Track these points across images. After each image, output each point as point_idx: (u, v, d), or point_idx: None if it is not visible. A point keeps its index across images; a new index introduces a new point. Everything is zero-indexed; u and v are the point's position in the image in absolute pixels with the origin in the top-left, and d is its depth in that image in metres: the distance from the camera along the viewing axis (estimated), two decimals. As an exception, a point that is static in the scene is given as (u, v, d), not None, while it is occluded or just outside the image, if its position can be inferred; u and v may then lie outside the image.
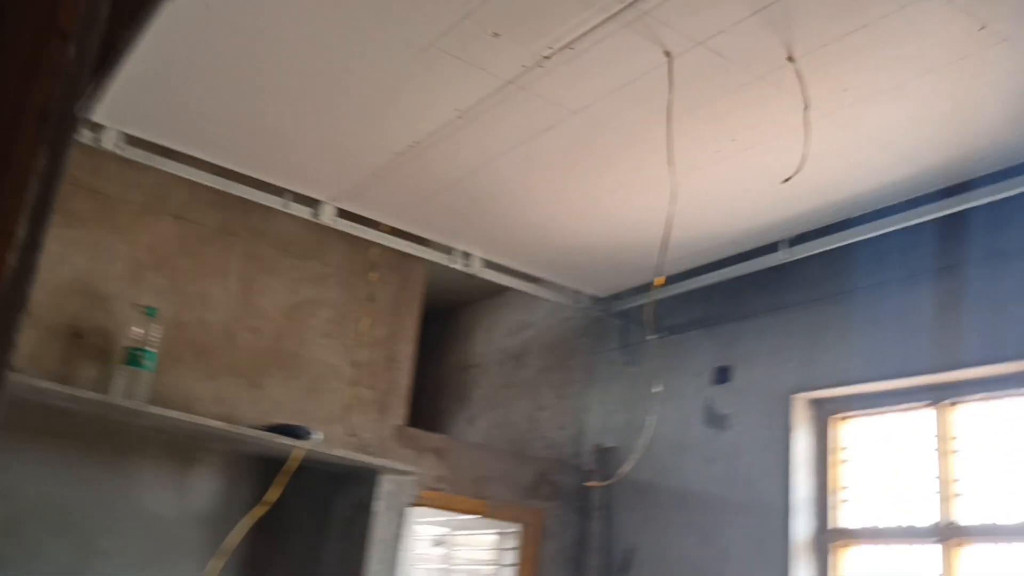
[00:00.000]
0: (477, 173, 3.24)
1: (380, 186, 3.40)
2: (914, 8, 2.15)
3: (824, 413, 3.65)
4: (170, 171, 3.30)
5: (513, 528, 4.37)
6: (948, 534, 3.14)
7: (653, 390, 3.89)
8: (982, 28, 2.19)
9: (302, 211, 3.52)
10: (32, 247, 0.61)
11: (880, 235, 3.20)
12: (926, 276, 3.30)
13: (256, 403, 3.56)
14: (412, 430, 4.05)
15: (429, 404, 5.91)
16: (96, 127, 3.10)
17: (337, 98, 2.87)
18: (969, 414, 3.23)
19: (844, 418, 3.62)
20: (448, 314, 6.14)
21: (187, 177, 3.34)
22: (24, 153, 0.59)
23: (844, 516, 3.51)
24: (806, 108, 2.50)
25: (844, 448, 3.59)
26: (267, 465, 3.39)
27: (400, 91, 2.77)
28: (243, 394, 3.55)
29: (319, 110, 2.95)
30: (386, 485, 3.45)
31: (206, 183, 3.37)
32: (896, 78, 2.44)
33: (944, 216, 3.04)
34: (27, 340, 3.13)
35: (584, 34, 2.40)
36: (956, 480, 3.18)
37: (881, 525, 3.36)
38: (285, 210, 3.50)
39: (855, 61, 2.39)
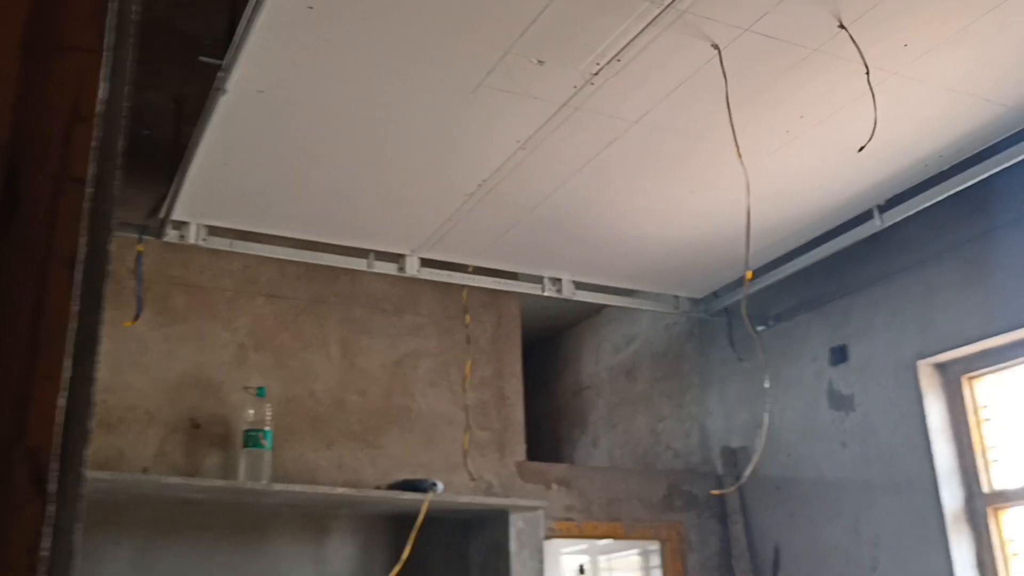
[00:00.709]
0: (551, 198, 3.23)
1: (458, 229, 3.42)
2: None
3: (953, 375, 3.49)
4: (255, 253, 3.39)
5: (653, 546, 4.29)
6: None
7: (765, 385, 3.79)
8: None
9: (387, 267, 3.56)
10: (84, 383, 0.62)
11: (973, 185, 3.05)
12: (992, 239, 3.14)
13: (376, 463, 3.61)
14: (534, 464, 4.03)
15: (549, 434, 5.89)
16: (179, 224, 3.21)
17: (399, 153, 2.91)
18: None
19: (975, 377, 3.45)
20: (552, 341, 6.13)
21: (272, 256, 3.42)
22: (57, 300, 0.60)
23: (995, 478, 3.33)
24: (868, 72, 2.41)
25: (983, 407, 3.42)
26: (398, 523, 3.42)
27: (459, 134, 2.79)
28: (362, 456, 3.60)
29: (384, 168, 2.99)
30: (517, 523, 3.44)
31: (291, 258, 3.45)
32: (956, 23, 2.33)
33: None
34: (150, 439, 3.25)
35: (628, 44, 2.37)
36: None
37: (1034, 483, 3.18)
38: (371, 270, 3.55)
39: (909, 14, 2.29)
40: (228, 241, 3.30)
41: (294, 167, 2.96)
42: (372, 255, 3.56)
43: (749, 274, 3.36)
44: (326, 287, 3.71)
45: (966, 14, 2.31)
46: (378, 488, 3.29)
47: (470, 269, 3.76)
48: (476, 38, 2.35)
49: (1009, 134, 2.90)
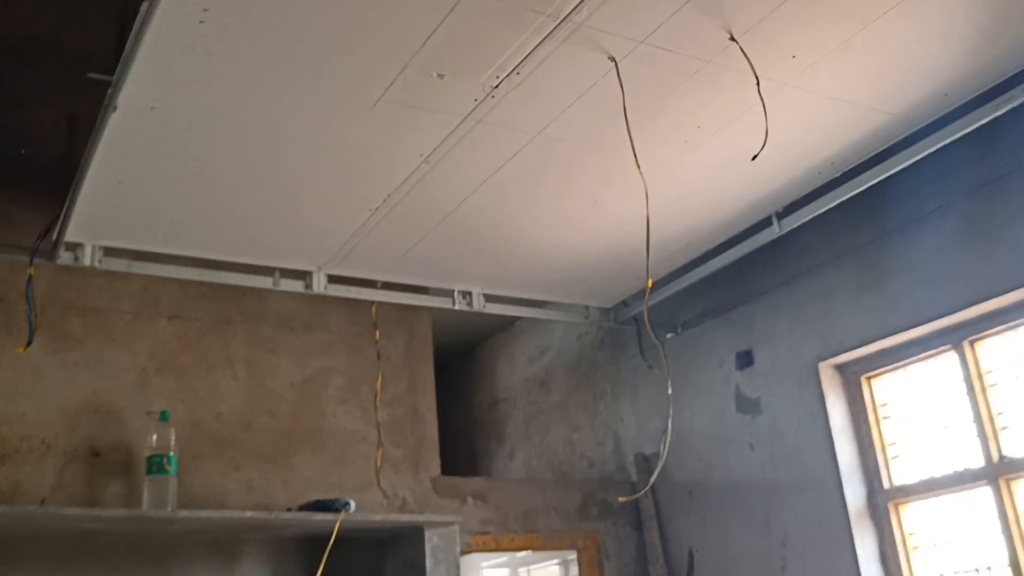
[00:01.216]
0: (457, 212, 3.22)
1: (364, 245, 3.39)
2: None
3: (852, 375, 3.60)
4: (155, 274, 3.29)
5: (572, 555, 4.31)
6: (1000, 471, 3.07)
7: (668, 392, 3.85)
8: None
9: (294, 285, 3.50)
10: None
11: (865, 190, 3.16)
12: (920, 222, 3.27)
13: (287, 485, 3.54)
14: (449, 479, 4.01)
15: (466, 448, 5.88)
16: (73, 246, 3.10)
17: (300, 169, 2.87)
18: (997, 347, 3.17)
19: (873, 376, 3.56)
20: (466, 354, 6.13)
21: (173, 276, 3.33)
22: None
23: (895, 474, 3.44)
24: (758, 82, 2.48)
25: (882, 405, 3.54)
26: (311, 545, 3.36)
27: (361, 149, 2.77)
28: (273, 478, 3.53)
29: (285, 184, 2.95)
30: (432, 540, 3.41)
31: (193, 278, 3.36)
32: (840, 35, 2.42)
33: (925, 157, 2.99)
34: (47, 470, 3.13)
35: (526, 57, 2.39)
36: (999, 414, 3.12)
37: (933, 476, 3.29)
38: (277, 288, 3.48)
39: (796, 27, 2.37)
40: (125, 262, 3.20)
41: (192, 185, 2.90)
42: (278, 273, 3.49)
43: (650, 283, 3.42)
44: (231, 306, 3.63)
45: (850, 26, 2.40)
46: (289, 510, 3.23)
47: (379, 285, 3.73)
48: (374, 53, 2.33)
49: (895, 141, 3.02)
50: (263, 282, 3.46)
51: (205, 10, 2.13)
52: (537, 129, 2.75)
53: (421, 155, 2.82)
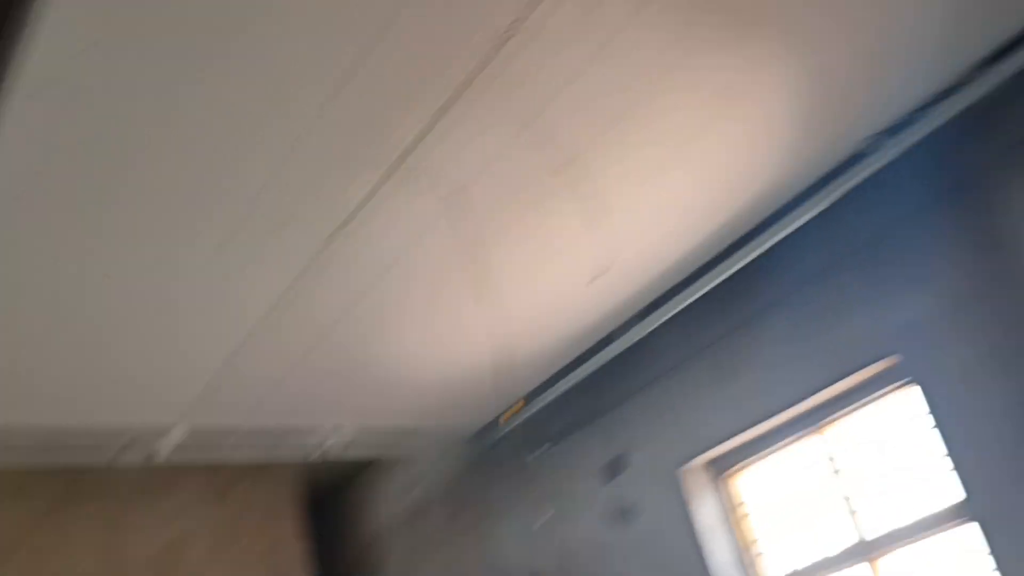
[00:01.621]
0: (314, 351, 3.18)
1: (224, 393, 3.28)
2: (655, 93, 2.29)
3: (720, 471, 3.66)
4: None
5: None
6: (865, 551, 3.16)
7: (543, 517, 3.82)
8: (719, 92, 2.34)
9: (138, 456, 3.32)
10: None
11: (714, 288, 3.30)
12: (762, 315, 3.42)
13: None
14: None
15: (348, 588, 5.64)
16: None
17: (145, 326, 2.78)
18: (850, 427, 3.30)
19: (737, 471, 3.63)
20: (336, 498, 5.94)
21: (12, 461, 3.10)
22: None
23: (768, 566, 3.48)
24: (588, 208, 2.59)
25: (750, 500, 3.60)
26: None
27: (204, 297, 2.71)
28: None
29: (126, 345, 2.85)
30: None
31: (37, 459, 3.14)
32: (658, 156, 2.57)
33: (762, 253, 3.16)
34: None
35: (365, 201, 2.42)
36: (854, 496, 3.22)
37: (804, 564, 3.36)
38: (119, 462, 3.29)
39: (618, 153, 2.50)
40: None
41: (30, 351, 2.76)
42: (126, 439, 3.30)
43: (520, 403, 3.42)
44: (78, 488, 3.41)
45: (664, 147, 2.55)
46: None
47: (232, 442, 3.57)
48: (213, 209, 2.32)
49: (732, 241, 3.18)
50: (110, 452, 3.25)
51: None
52: (386, 265, 2.77)
53: (269, 303, 2.79)
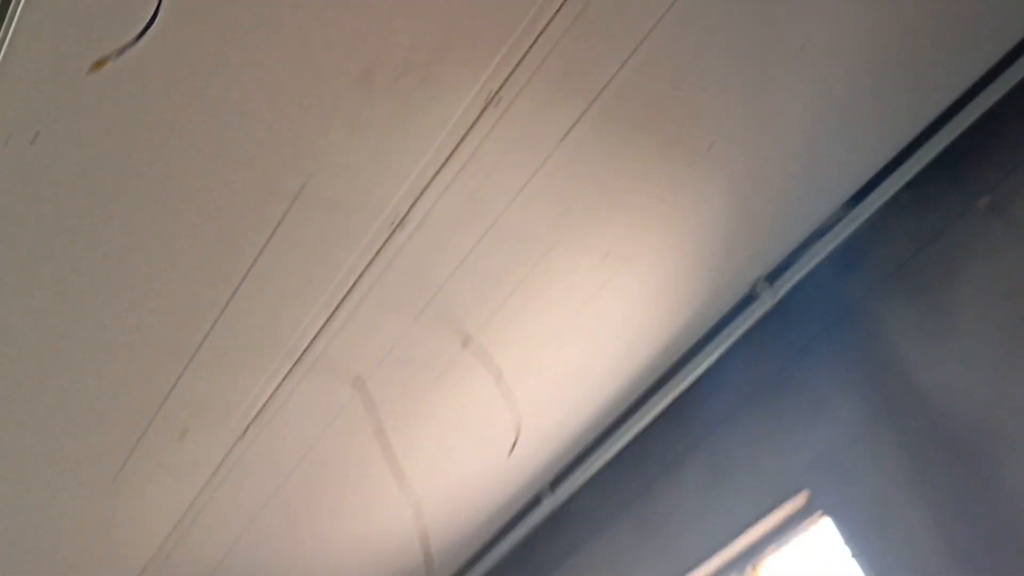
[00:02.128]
0: (232, 554, 3.04)
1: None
2: (547, 263, 2.37)
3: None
4: None
5: None
6: None
7: None
8: (607, 256, 2.45)
9: None
10: None
11: (628, 445, 3.34)
12: (676, 465, 3.45)
13: None
14: None
15: None
16: None
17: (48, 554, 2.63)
18: (771, 570, 3.30)
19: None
20: None
21: None
22: None
23: None
24: (499, 379, 2.62)
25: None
26: None
27: (107, 524, 2.59)
28: None
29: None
30: None
31: None
32: (561, 320, 2.64)
33: (666, 408, 3.22)
34: None
35: (271, 396, 2.39)
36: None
37: None
38: None
39: (521, 321, 2.56)
40: None
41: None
42: None
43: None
44: None
45: (566, 310, 2.62)
46: None
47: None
48: (107, 429, 2.25)
49: (635, 398, 3.24)
50: None
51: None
52: (299, 457, 2.71)
53: (177, 515, 2.68)
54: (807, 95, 2.36)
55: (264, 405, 2.40)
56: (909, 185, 2.90)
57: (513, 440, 2.68)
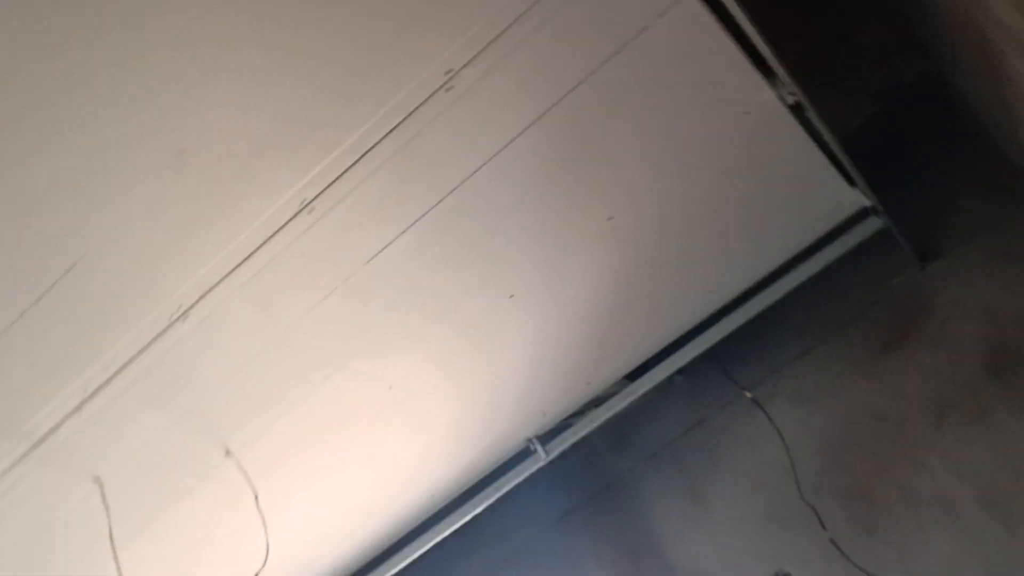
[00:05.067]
0: None
1: None
2: (327, 386, 2.30)
3: None
4: None
5: None
6: None
7: None
8: (391, 387, 2.41)
9: None
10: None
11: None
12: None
13: None
14: None
15: None
16: None
17: None
18: None
19: None
20: None
21: None
22: None
23: None
24: (256, 497, 2.47)
25: None
26: None
27: None
28: None
29: None
30: None
31: None
32: (333, 449, 2.55)
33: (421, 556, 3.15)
34: None
35: (-2, 479, 2.14)
36: None
37: None
38: None
39: (291, 442, 2.45)
40: None
41: None
42: None
43: None
44: None
45: (338, 441, 2.54)
46: None
47: None
48: None
49: (394, 542, 3.15)
50: None
51: None
52: (12, 558, 2.41)
53: None
54: (602, 267, 2.48)
55: (-9, 487, 2.14)
56: (683, 371, 3.08)
57: (260, 566, 2.51)
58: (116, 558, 2.37)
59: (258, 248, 1.94)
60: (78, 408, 2.08)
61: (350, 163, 1.88)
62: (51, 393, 2.03)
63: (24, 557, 2.40)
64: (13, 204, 1.63)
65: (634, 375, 3.03)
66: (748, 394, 3.01)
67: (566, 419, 3.05)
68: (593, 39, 1.82)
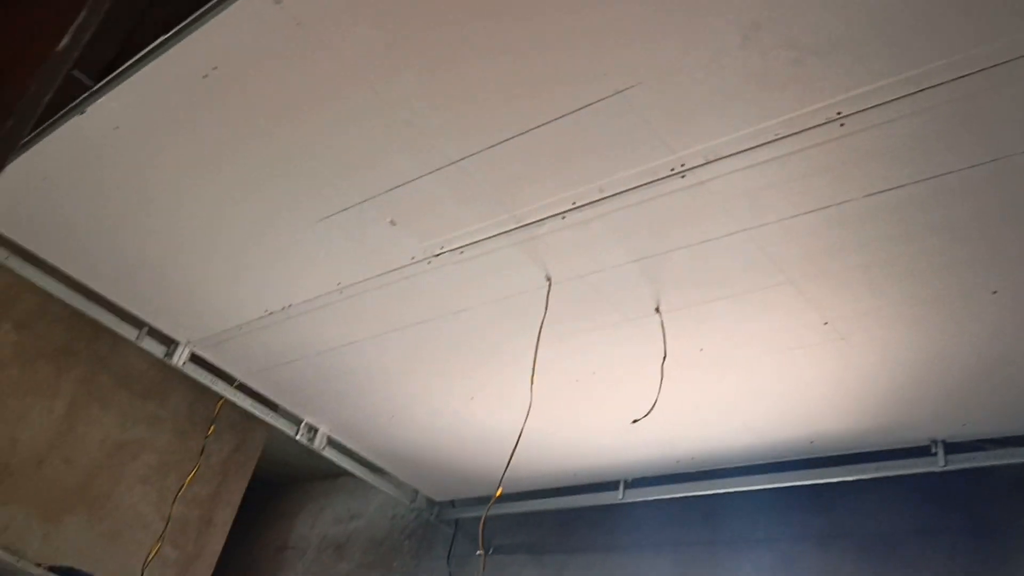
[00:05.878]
0: (342, 350, 3.22)
1: (242, 340, 3.32)
2: (772, 292, 2.35)
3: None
4: (26, 276, 3.14)
5: None
6: None
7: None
8: (825, 323, 2.40)
9: (155, 348, 3.38)
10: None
11: (712, 495, 3.29)
12: (744, 544, 3.38)
13: (48, 539, 3.28)
14: (208, 602, 3.78)
15: (234, 578, 5.53)
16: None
17: (220, 247, 2.85)
18: None
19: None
20: (277, 487, 5.88)
21: (42, 286, 3.18)
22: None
23: None
24: (664, 358, 2.62)
25: None
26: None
27: (286, 252, 2.78)
28: (35, 526, 3.26)
29: (198, 253, 2.91)
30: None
31: (59, 295, 3.21)
32: (745, 350, 2.61)
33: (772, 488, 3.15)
34: None
35: (476, 242, 2.49)
36: None
37: None
38: (137, 342, 3.35)
39: (714, 326, 2.55)
40: (5, 253, 3.06)
41: (111, 213, 2.84)
42: (145, 328, 3.37)
43: (499, 491, 3.40)
44: (81, 340, 3.47)
45: (754, 345, 2.59)
46: (39, 565, 2.98)
47: (235, 384, 3.63)
48: (341, 176, 2.41)
49: (743, 464, 3.18)
50: (127, 330, 3.33)
51: (214, 68, 2.19)
52: (456, 310, 2.81)
53: (339, 283, 2.85)
54: None
55: (468, 245, 2.50)
56: None
57: (643, 414, 2.69)
58: (536, 350, 2.68)
59: (775, 139, 1.99)
60: (563, 214, 2.34)
61: (900, 94, 1.85)
62: (550, 191, 2.30)
63: (468, 309, 2.79)
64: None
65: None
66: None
67: (982, 439, 2.82)
68: None
